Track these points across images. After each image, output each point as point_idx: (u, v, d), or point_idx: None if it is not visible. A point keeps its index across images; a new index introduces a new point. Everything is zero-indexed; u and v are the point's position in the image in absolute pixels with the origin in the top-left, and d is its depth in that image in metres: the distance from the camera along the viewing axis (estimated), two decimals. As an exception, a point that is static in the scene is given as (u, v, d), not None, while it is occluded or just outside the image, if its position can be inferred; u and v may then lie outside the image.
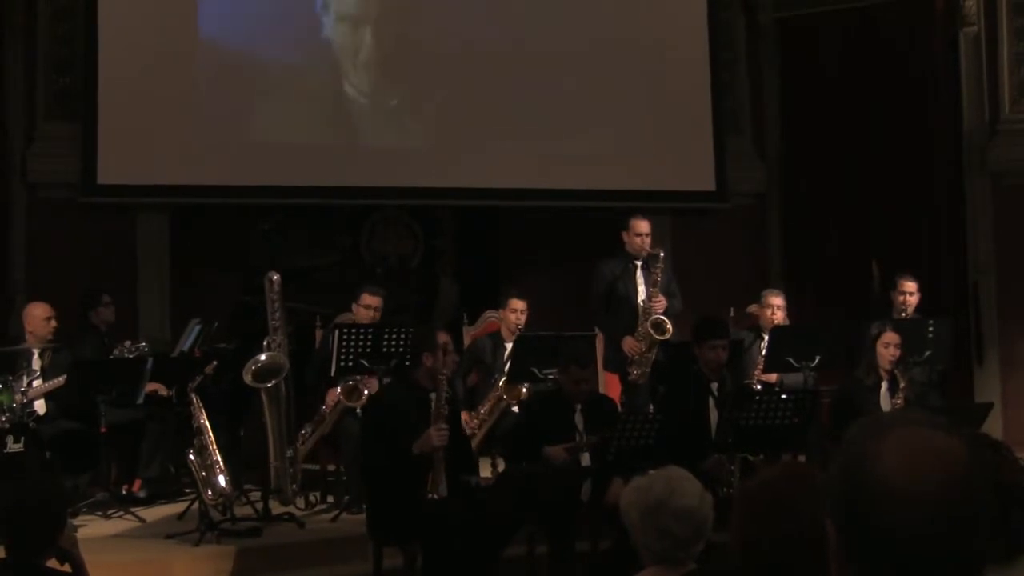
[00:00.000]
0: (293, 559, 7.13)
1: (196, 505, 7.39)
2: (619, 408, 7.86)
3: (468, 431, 8.03)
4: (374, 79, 10.44)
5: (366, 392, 7.95)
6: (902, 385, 7.71)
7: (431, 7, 10.63)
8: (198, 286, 10.10)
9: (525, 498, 6.48)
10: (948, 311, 9.72)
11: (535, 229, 11.22)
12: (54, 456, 7.75)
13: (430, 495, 6.35)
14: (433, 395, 6.53)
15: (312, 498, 8.22)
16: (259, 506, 7.61)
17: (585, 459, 6.90)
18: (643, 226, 8.75)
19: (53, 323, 8.23)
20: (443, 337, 6.72)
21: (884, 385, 7.83)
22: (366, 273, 10.72)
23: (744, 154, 11.48)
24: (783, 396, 7.22)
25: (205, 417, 7.45)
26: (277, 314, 7.79)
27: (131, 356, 8.03)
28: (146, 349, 8.18)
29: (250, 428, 8.18)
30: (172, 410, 8.24)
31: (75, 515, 7.23)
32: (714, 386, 7.29)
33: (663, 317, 8.50)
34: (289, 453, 7.75)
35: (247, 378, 7.52)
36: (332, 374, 7.98)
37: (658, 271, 8.55)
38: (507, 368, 8.43)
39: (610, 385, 8.98)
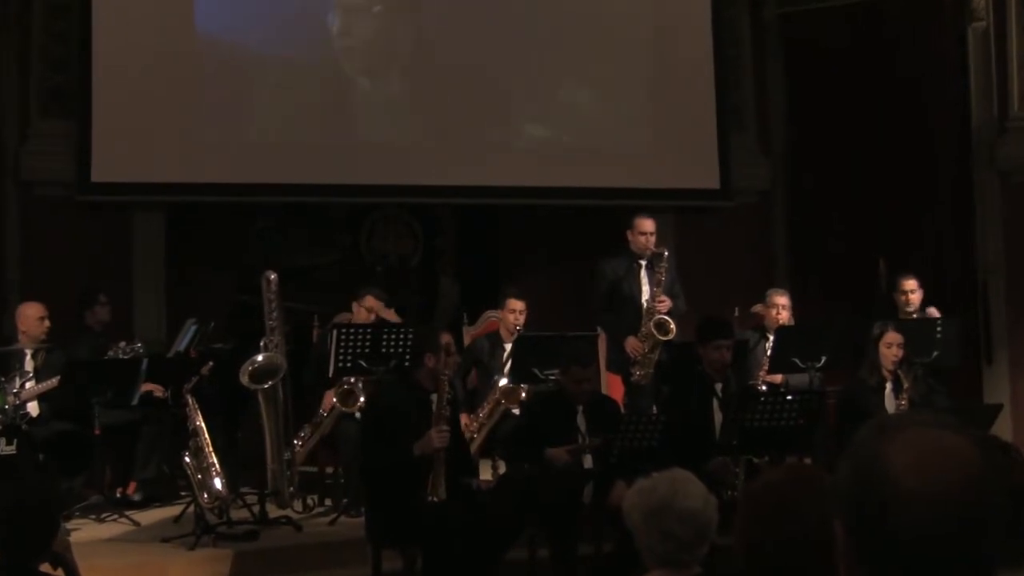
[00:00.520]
0: (290, 563, 7.12)
1: (192, 508, 7.38)
2: (622, 409, 7.85)
3: (467, 434, 8.03)
4: (373, 76, 10.42)
5: (362, 399, 7.94)
6: (906, 386, 7.70)
7: (431, 2, 10.62)
8: (194, 285, 10.09)
9: (526, 501, 6.47)
10: (956, 310, 9.70)
11: (536, 228, 11.20)
12: (47, 458, 7.74)
13: (430, 498, 6.34)
14: (434, 396, 6.51)
15: (310, 501, 8.21)
16: (256, 509, 7.61)
17: (587, 461, 6.91)
18: (648, 225, 8.74)
19: (46, 323, 8.22)
20: (445, 338, 6.71)
21: (888, 386, 7.81)
22: (366, 272, 10.71)
23: (748, 151, 11.46)
24: (788, 397, 7.21)
25: (201, 419, 7.44)
26: (274, 314, 7.78)
27: (126, 357, 8.02)
28: (141, 349, 8.16)
29: (247, 430, 8.16)
30: (167, 412, 8.23)
31: (68, 518, 7.22)
32: (718, 387, 7.28)
33: (666, 317, 8.49)
34: (286, 455, 7.74)
35: (244, 379, 7.51)
36: (330, 375, 7.97)
37: (662, 271, 8.54)
38: (507, 369, 8.42)
39: (613, 386, 8.97)
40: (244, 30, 10.08)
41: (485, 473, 8.13)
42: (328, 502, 8.24)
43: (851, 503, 1.52)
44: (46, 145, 9.74)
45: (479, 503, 6.49)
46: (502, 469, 7.94)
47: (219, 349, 8.49)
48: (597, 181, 10.66)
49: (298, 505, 8.03)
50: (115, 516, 7.67)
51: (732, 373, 7.45)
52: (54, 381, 7.91)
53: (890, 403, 7.73)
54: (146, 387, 8.10)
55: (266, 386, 7.50)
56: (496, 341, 8.74)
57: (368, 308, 8.47)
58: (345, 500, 7.93)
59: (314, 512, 8.09)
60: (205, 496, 7.20)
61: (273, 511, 7.67)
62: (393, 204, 11.07)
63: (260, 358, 7.58)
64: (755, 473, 6.67)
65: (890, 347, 7.82)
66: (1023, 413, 9.97)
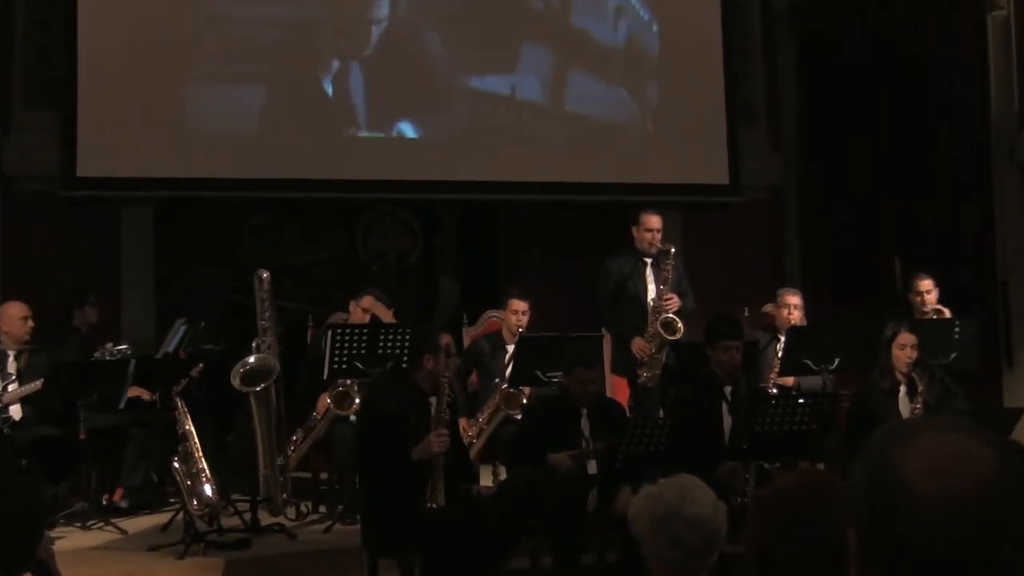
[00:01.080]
0: (283, 572, 7.12)
1: (181, 515, 7.37)
2: (627, 413, 7.84)
3: (467, 439, 8.03)
4: (370, 68, 10.42)
5: (357, 401, 7.94)
6: (920, 388, 7.69)
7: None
8: (184, 284, 10.09)
9: (528, 508, 6.47)
10: (974, 310, 9.69)
11: (539, 225, 11.21)
12: (31, 464, 7.73)
13: (428, 504, 6.33)
14: (433, 399, 6.51)
15: (303, 508, 8.21)
16: (247, 516, 7.60)
17: (592, 466, 6.89)
18: (654, 221, 8.73)
19: (30, 323, 8.22)
20: (445, 339, 6.71)
21: (902, 389, 7.80)
22: (362, 271, 10.71)
23: (758, 145, 11.46)
24: (800, 400, 7.20)
25: (191, 422, 7.43)
26: (267, 314, 7.77)
27: (113, 358, 8.02)
28: (129, 351, 8.17)
29: (238, 434, 8.17)
30: (156, 415, 8.23)
31: (53, 526, 7.22)
32: (727, 390, 7.27)
33: (673, 316, 8.48)
34: (279, 460, 7.73)
35: (235, 381, 7.50)
36: (325, 377, 7.97)
37: (668, 268, 8.53)
38: (508, 371, 8.41)
39: (618, 389, 8.96)
40: (237, 19, 10.08)
41: (486, 479, 8.13)
42: (323, 509, 8.24)
43: (863, 508, 1.53)
44: (29, 138, 9.75)
45: (479, 510, 6.48)
46: (503, 475, 7.94)
47: (210, 350, 8.48)
48: (602, 176, 10.67)
49: (291, 512, 8.02)
50: (101, 524, 7.66)
51: (742, 375, 7.44)
52: (38, 384, 7.91)
53: (904, 407, 7.72)
54: (133, 390, 8.10)
55: (258, 389, 7.49)
56: (497, 342, 8.74)
57: (365, 308, 8.47)
58: (340, 507, 7.93)
59: (308, 519, 8.09)
60: (195, 503, 7.20)
61: (265, 518, 7.67)
62: (391, 200, 11.06)
63: (252, 360, 7.58)
64: (766, 479, 6.67)
65: (903, 348, 7.81)
66: (1045, 417, 9.96)
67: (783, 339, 8.71)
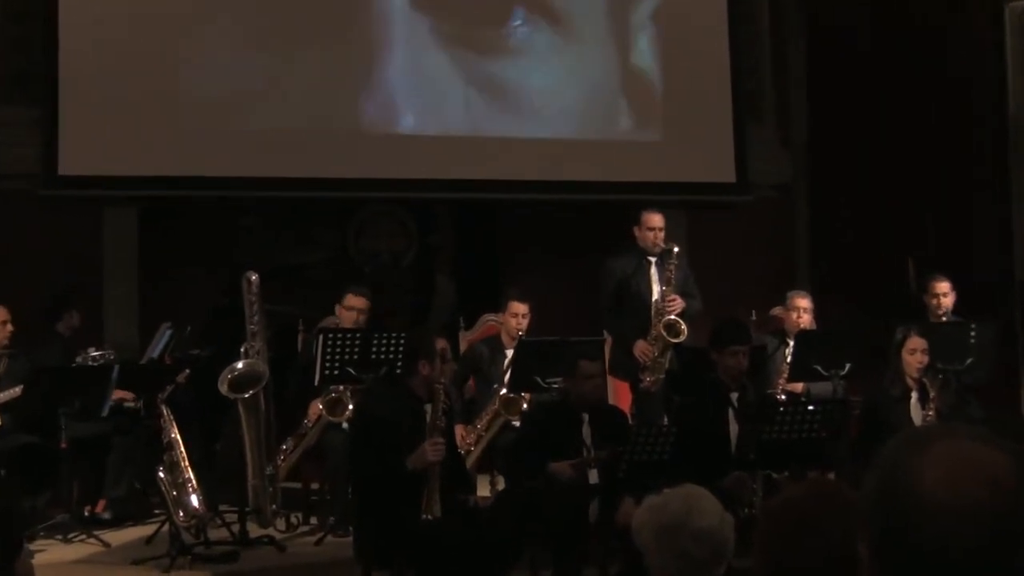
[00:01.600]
0: (273, 586, 7.12)
1: (166, 527, 7.36)
2: (630, 420, 7.84)
3: (465, 447, 8.03)
4: (364, 61, 10.41)
5: (351, 407, 7.93)
6: (932, 395, 7.68)
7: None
8: (170, 287, 10.08)
9: (528, 518, 6.47)
10: (992, 313, 9.68)
11: (538, 225, 11.20)
12: (9, 474, 7.73)
13: (424, 516, 6.33)
14: (428, 406, 6.51)
15: (294, 519, 8.20)
16: (236, 528, 7.60)
17: (593, 476, 6.89)
18: (656, 220, 8.73)
19: (9, 327, 8.21)
20: (440, 343, 6.71)
21: (914, 396, 7.80)
22: (355, 272, 10.71)
23: (767, 142, 11.46)
24: (810, 407, 7.20)
25: (176, 431, 7.43)
26: (256, 317, 7.77)
27: (95, 364, 8.01)
28: (112, 356, 8.15)
29: (226, 443, 8.16)
30: (140, 423, 8.23)
31: (33, 539, 7.22)
32: (734, 396, 7.27)
33: (676, 318, 8.48)
34: (269, 470, 7.73)
35: (223, 388, 7.50)
36: (316, 383, 7.96)
37: (672, 268, 8.54)
38: (507, 377, 8.41)
39: (620, 393, 8.96)
40: (226, 12, 10.07)
41: (483, 489, 8.13)
42: (313, 520, 8.23)
43: (876, 516, 1.54)
44: (8, 135, 9.72)
45: (476, 521, 6.48)
46: (501, 485, 7.94)
47: (196, 355, 8.48)
48: (603, 175, 10.67)
49: (281, 524, 8.02)
50: (83, 536, 7.65)
51: (749, 381, 7.44)
52: (17, 390, 7.90)
53: (916, 414, 7.72)
54: (117, 396, 8.10)
55: (247, 395, 7.49)
56: (496, 347, 8.73)
57: (349, 307, 8.46)
58: (332, 518, 7.92)
59: (298, 531, 8.08)
60: (181, 514, 7.19)
61: (254, 530, 7.66)
62: (385, 199, 11.06)
63: (240, 365, 7.58)
64: (774, 489, 6.67)
65: (913, 353, 7.81)
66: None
67: (792, 343, 8.71)
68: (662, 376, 8.50)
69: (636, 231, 8.75)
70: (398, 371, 7.50)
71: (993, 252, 10.57)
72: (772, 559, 2.39)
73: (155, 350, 8.65)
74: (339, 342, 7.86)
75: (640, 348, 8.52)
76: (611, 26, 10.92)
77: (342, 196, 10.70)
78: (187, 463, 7.32)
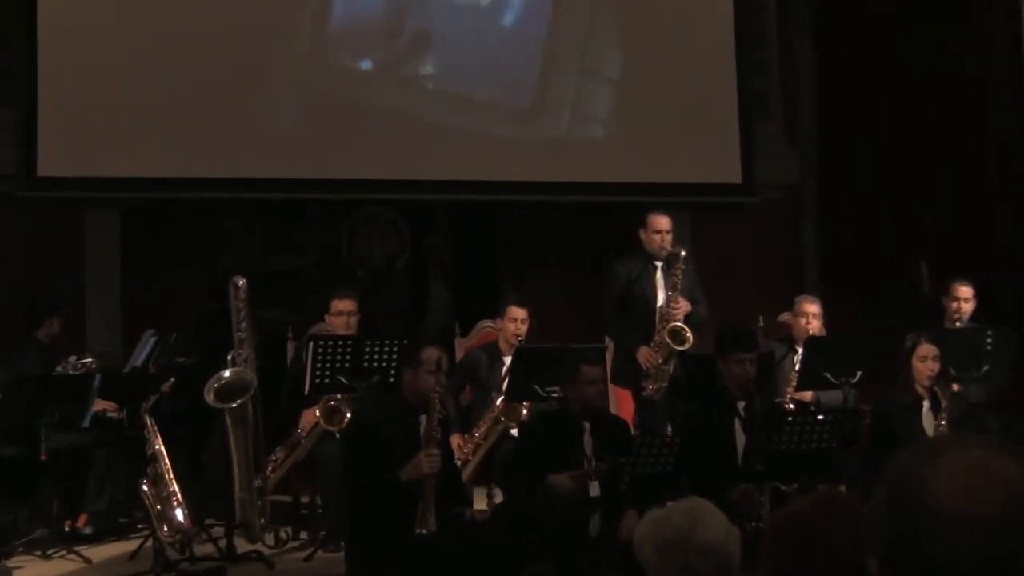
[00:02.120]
0: (261, 603, 7.12)
1: (150, 543, 7.37)
2: (632, 430, 7.84)
3: (462, 457, 8.03)
4: (354, 56, 10.41)
5: (348, 415, 7.93)
6: (944, 404, 7.68)
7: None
8: (154, 293, 10.08)
9: (526, 533, 6.46)
10: (1010, 319, 9.65)
11: (538, 228, 11.20)
12: (-14, 486, 7.73)
13: (418, 530, 6.33)
14: (423, 416, 6.51)
15: (283, 534, 8.20)
16: (222, 543, 7.59)
17: (594, 488, 6.89)
18: (663, 222, 8.75)
19: (-15, 334, 8.22)
20: (435, 353, 6.69)
21: (925, 404, 7.79)
22: (347, 276, 10.71)
23: (774, 141, 11.46)
24: (820, 417, 7.20)
25: (161, 442, 7.42)
26: (243, 324, 7.77)
27: (77, 372, 8.00)
28: (94, 364, 8.16)
29: (212, 454, 8.16)
30: (123, 434, 8.22)
31: (11, 555, 7.21)
32: (741, 405, 7.27)
33: (681, 324, 8.49)
34: (257, 483, 7.72)
35: (209, 397, 7.50)
36: (306, 392, 7.96)
37: (678, 272, 8.55)
38: (506, 384, 8.41)
39: (622, 403, 8.96)
40: (210, 7, 10.07)
41: (480, 502, 8.12)
42: (304, 535, 8.22)
43: (887, 528, 1.55)
44: (-15, 135, 9.74)
45: (473, 536, 6.48)
46: (499, 498, 7.93)
47: (181, 364, 8.48)
48: (605, 175, 10.67)
49: (270, 538, 8.02)
50: (63, 552, 7.64)
51: (756, 390, 7.43)
52: (-6, 400, 7.90)
53: (928, 423, 7.71)
54: (99, 407, 8.09)
55: (234, 405, 7.48)
56: (494, 354, 8.73)
57: (338, 312, 8.47)
58: (323, 533, 7.91)
59: (288, 546, 8.08)
60: (165, 529, 7.19)
61: (242, 545, 7.66)
62: (378, 201, 11.06)
63: (227, 374, 7.57)
64: (782, 502, 6.66)
65: (924, 360, 7.80)
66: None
67: (800, 350, 8.69)
68: (665, 384, 8.51)
69: (642, 234, 8.77)
70: (391, 380, 7.50)
71: (1011, 255, 10.54)
72: (780, 573, 2.39)
73: (139, 358, 8.65)
74: (330, 349, 7.86)
75: (643, 355, 8.52)
76: (613, 22, 10.92)
77: (333, 198, 10.70)
78: (172, 476, 7.31)
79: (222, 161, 9.95)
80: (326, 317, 8.56)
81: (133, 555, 7.64)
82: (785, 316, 9.30)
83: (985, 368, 8.40)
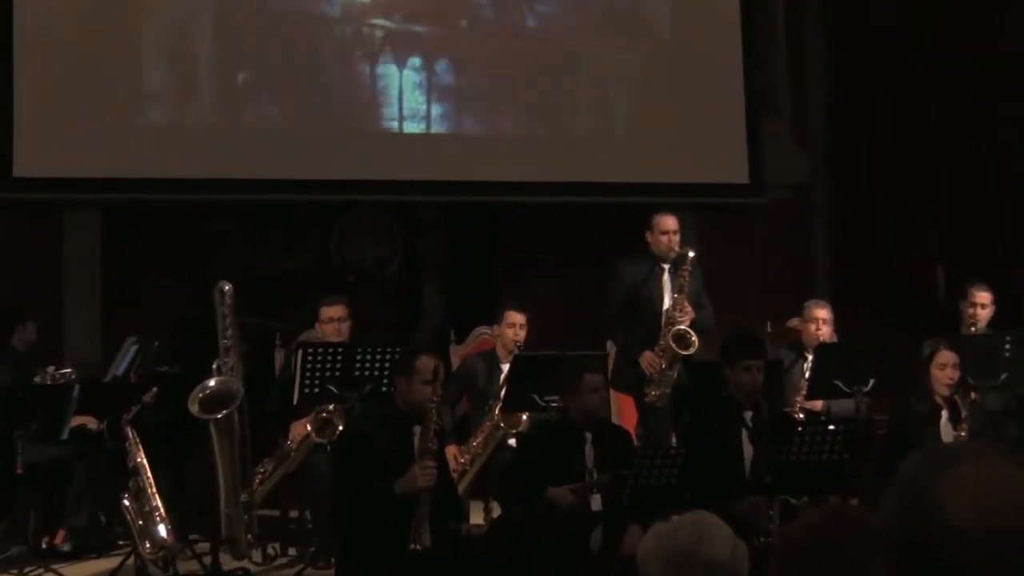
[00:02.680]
0: (248, 623, 7.11)
1: (132, 560, 7.36)
2: (635, 441, 7.84)
3: (458, 468, 8.02)
4: (344, 53, 10.41)
5: (340, 427, 7.92)
6: (964, 414, 7.67)
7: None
8: (136, 299, 10.08)
9: (524, 548, 6.45)
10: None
11: (537, 230, 11.21)
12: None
13: (412, 545, 6.32)
14: (418, 428, 6.51)
15: (271, 550, 8.19)
16: (207, 560, 7.58)
17: (596, 502, 6.88)
18: (669, 223, 8.77)
19: (-41, 342, 8.21)
20: (431, 361, 6.69)
21: (944, 414, 7.79)
22: (337, 281, 10.70)
23: (782, 140, 11.47)
24: (831, 427, 7.19)
25: (143, 455, 7.41)
26: (229, 331, 7.77)
27: (55, 382, 7.99)
28: (73, 374, 8.14)
29: (197, 467, 8.15)
30: (103, 447, 8.20)
31: (-15, 572, 7.20)
32: (748, 415, 7.26)
33: (687, 328, 8.48)
34: (244, 497, 7.72)
35: (194, 408, 7.50)
36: (295, 402, 7.95)
37: (685, 274, 8.55)
38: (503, 392, 8.40)
39: (623, 410, 8.96)
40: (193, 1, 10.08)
41: (476, 517, 8.11)
42: (292, 551, 8.21)
43: (898, 543, 1.55)
44: (-41, 134, 9.73)
45: (469, 551, 6.47)
46: (496, 512, 7.93)
47: (164, 373, 8.48)
48: (607, 175, 10.68)
49: (257, 555, 8.01)
50: (41, 570, 7.62)
51: (764, 398, 7.43)
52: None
53: (946, 434, 7.70)
54: (78, 418, 8.07)
55: (220, 416, 7.48)
56: (492, 361, 8.73)
57: (328, 319, 8.47)
58: (312, 549, 7.90)
59: (276, 563, 8.07)
60: (147, 545, 7.18)
61: (228, 562, 7.65)
62: (370, 202, 11.05)
63: (213, 383, 7.57)
64: (792, 515, 6.66)
65: (943, 368, 7.80)
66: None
67: (810, 358, 8.69)
68: (668, 391, 8.50)
69: (648, 235, 8.78)
70: (384, 389, 7.50)
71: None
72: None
73: (120, 367, 8.64)
74: (320, 357, 7.85)
75: (647, 359, 8.52)
76: (615, 17, 10.92)
77: (323, 199, 10.69)
78: (154, 490, 7.31)
79: (206, 161, 9.95)
80: (316, 325, 8.56)
81: (114, 573, 7.62)
82: (794, 322, 9.29)
83: (1004, 376, 8.39)
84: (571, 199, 10.80)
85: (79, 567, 7.88)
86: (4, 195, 9.64)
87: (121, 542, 8.07)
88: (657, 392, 8.51)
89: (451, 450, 8.02)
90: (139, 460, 7.39)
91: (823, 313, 9.08)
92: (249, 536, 7.80)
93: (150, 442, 7.59)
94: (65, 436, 7.92)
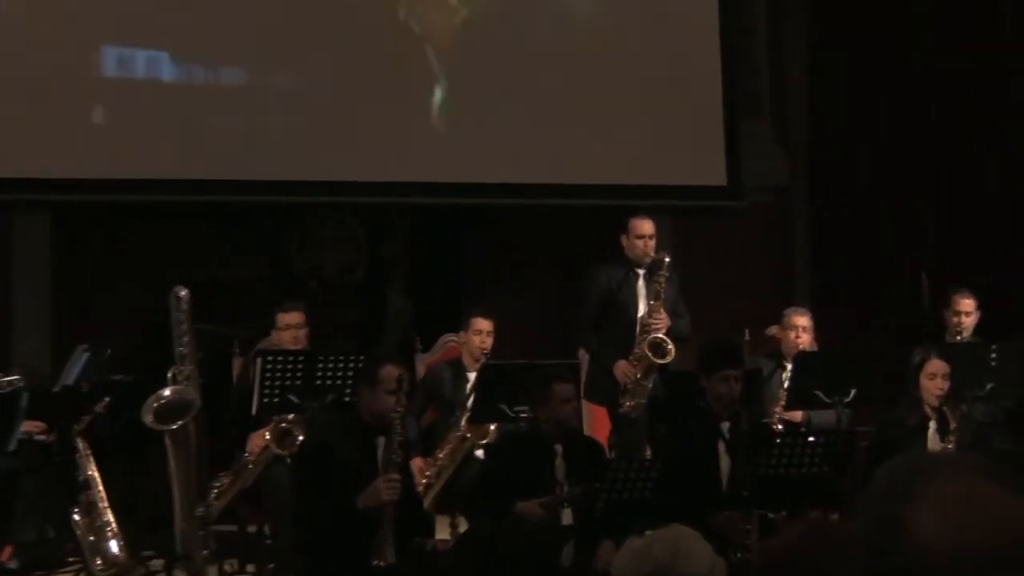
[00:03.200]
0: (204, 642, 7.09)
1: (82, 577, 7.33)
2: (608, 453, 7.84)
3: (424, 480, 8.02)
4: (308, 49, 10.39)
5: (301, 438, 7.91)
6: (953, 425, 7.70)
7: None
8: (87, 304, 10.04)
9: (492, 565, 6.45)
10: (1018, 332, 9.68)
11: (508, 234, 11.21)
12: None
13: (375, 562, 6.32)
14: (381, 438, 6.50)
15: (228, 567, 8.18)
16: (162, 577, 7.57)
17: (567, 516, 6.88)
18: (646, 227, 8.79)
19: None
20: (395, 370, 6.69)
21: (932, 425, 7.82)
22: (297, 287, 10.68)
23: (762, 140, 11.50)
24: (811, 439, 7.22)
25: (94, 467, 7.39)
26: (185, 338, 7.72)
27: (2, 391, 7.96)
28: (21, 383, 8.10)
29: (151, 481, 8.12)
30: (53, 459, 8.17)
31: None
32: (725, 426, 7.28)
33: (663, 337, 8.50)
34: (200, 511, 7.68)
35: (148, 418, 7.46)
36: (254, 412, 7.94)
37: (661, 280, 8.56)
38: (471, 403, 8.40)
39: (596, 421, 8.97)
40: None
41: (442, 531, 8.10)
42: (251, 568, 8.20)
43: (871, 561, 1.55)
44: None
45: (435, 568, 6.47)
46: (463, 527, 7.92)
47: (117, 382, 8.45)
48: (580, 177, 10.68)
49: (214, 572, 7.98)
50: (-13, 587, 7.62)
51: (742, 409, 7.45)
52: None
53: (934, 446, 7.74)
54: (26, 428, 8.04)
55: (175, 427, 7.44)
56: (459, 370, 8.73)
57: (285, 326, 8.45)
58: (272, 565, 7.90)
59: (234, 580, 8.07)
60: (99, 562, 7.16)
61: (183, 580, 7.64)
62: (331, 204, 11.04)
63: (168, 392, 7.53)
64: (770, 531, 6.68)
65: (933, 378, 7.83)
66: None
67: (790, 367, 8.71)
68: (644, 401, 8.51)
69: (623, 239, 8.79)
70: (347, 399, 7.49)
71: (1018, 264, 10.57)
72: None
73: (70, 375, 8.60)
74: (280, 366, 7.84)
75: (621, 368, 8.53)
76: (587, 6, 10.93)
77: (283, 201, 10.68)
78: (106, 504, 7.29)
79: (161, 161, 9.91)
80: (273, 332, 8.54)
81: (64, 591, 7.62)
82: (773, 329, 9.31)
83: (989, 386, 8.42)
84: (542, 202, 10.80)
85: (27, 585, 7.86)
86: (-51, 196, 9.61)
87: (71, 559, 8.04)
88: (632, 403, 8.52)
89: (416, 462, 8.01)
90: (90, 473, 7.37)
91: (803, 320, 9.10)
92: (205, 552, 7.75)
93: (102, 454, 7.57)
94: (12, 447, 7.89)
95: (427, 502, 7.90)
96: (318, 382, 7.81)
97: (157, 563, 7.73)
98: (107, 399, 8.10)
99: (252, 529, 8.46)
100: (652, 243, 8.78)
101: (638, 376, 8.52)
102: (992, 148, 10.74)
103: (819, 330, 9.18)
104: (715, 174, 11.03)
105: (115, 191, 9.92)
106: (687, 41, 11.06)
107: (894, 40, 11.08)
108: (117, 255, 10.33)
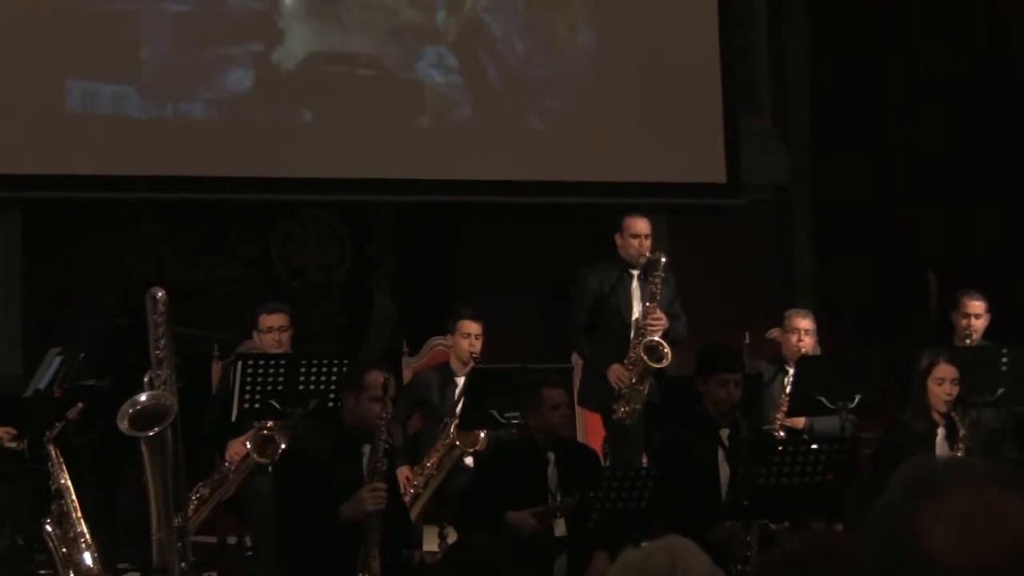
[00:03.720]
0: (182, 659, 7.07)
1: (55, 590, 7.32)
2: (603, 461, 7.84)
3: (411, 490, 8.01)
4: (291, 38, 10.38)
5: (283, 446, 7.91)
6: (962, 432, 7.71)
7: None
8: (60, 306, 10.04)
9: (482, 578, 6.45)
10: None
11: (497, 233, 11.20)
12: None
13: (360, 575, 6.32)
14: (366, 446, 6.50)
15: (207, 580, 8.18)
16: (138, 591, 7.56)
17: (560, 527, 6.89)
18: (641, 226, 8.77)
19: None
20: (380, 376, 6.69)
21: (940, 432, 7.82)
22: (278, 288, 10.68)
23: (762, 136, 11.50)
24: (813, 446, 7.22)
25: (67, 476, 7.37)
26: (162, 342, 7.71)
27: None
28: (-10, 388, 8.11)
29: (127, 490, 8.11)
30: (24, 467, 8.16)
31: None
32: (724, 433, 7.29)
33: (659, 340, 8.49)
34: (177, 521, 7.67)
35: (123, 425, 7.44)
36: (233, 418, 7.93)
37: (657, 281, 8.55)
38: (460, 409, 8.40)
39: (590, 428, 8.97)
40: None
41: (430, 543, 8.11)
42: (230, 581, 8.21)
43: (879, 572, 1.55)
44: None
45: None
46: (452, 538, 7.92)
47: (91, 387, 8.44)
48: (572, 174, 10.67)
49: (192, 585, 7.98)
50: (-44, 601, 7.61)
51: (742, 415, 7.45)
52: None
53: (942, 453, 7.74)
54: (-5, 435, 8.04)
55: (151, 433, 7.43)
56: (447, 375, 8.73)
57: (267, 328, 8.44)
58: (252, 578, 7.91)
59: (213, 594, 8.06)
60: (72, 574, 7.14)
61: (160, 593, 7.63)
62: (314, 203, 11.03)
63: (144, 398, 7.51)
64: (771, 542, 6.68)
65: (941, 383, 7.83)
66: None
67: (792, 371, 8.73)
68: (639, 407, 8.50)
69: (618, 239, 8.78)
70: (330, 404, 7.48)
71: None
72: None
73: (42, 380, 8.59)
74: (261, 370, 7.83)
75: (615, 373, 8.51)
76: (586, 4, 10.93)
77: (264, 199, 10.67)
78: (79, 514, 7.26)
79: (137, 157, 9.88)
80: (254, 334, 8.53)
81: (35, 604, 7.61)
82: (774, 332, 9.32)
83: (1000, 391, 8.43)
84: (533, 199, 10.80)
85: (-4, 599, 7.85)
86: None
87: (43, 571, 8.03)
88: (627, 408, 8.50)
89: (403, 471, 8.01)
90: (63, 482, 7.34)
91: (805, 323, 9.10)
92: (183, 565, 7.75)
93: (75, 462, 7.54)
94: (-18, 456, 7.90)
95: (414, 513, 7.90)
96: (301, 387, 7.80)
97: (133, 575, 7.71)
98: (81, 405, 8.05)
99: (232, 541, 8.45)
100: (648, 242, 8.76)
101: (633, 381, 8.50)
102: (1001, 142, 10.75)
103: (822, 333, 9.19)
104: (714, 171, 11.03)
105: (88, 188, 9.89)
106: (685, 33, 11.06)
107: (896, 34, 11.09)
108: (90, 255, 10.32)
